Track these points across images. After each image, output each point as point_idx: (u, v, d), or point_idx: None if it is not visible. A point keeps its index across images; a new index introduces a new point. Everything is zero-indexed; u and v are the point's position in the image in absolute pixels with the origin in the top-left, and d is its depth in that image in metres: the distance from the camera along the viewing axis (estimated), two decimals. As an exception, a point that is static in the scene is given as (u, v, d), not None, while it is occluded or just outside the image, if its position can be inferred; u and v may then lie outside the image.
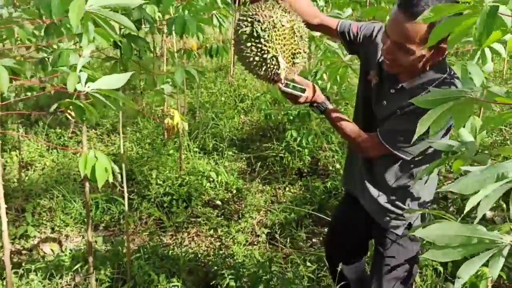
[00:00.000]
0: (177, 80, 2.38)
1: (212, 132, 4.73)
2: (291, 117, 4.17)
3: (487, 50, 2.12)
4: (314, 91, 1.59)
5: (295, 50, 1.47)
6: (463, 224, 0.96)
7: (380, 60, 1.63)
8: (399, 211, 1.73)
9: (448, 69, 1.51)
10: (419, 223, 1.73)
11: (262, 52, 1.43)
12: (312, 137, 4.10)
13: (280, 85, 1.51)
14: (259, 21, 1.44)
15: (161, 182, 3.62)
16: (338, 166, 3.78)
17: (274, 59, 1.43)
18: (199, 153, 4.30)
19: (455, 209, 3.21)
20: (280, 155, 4.17)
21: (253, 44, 1.44)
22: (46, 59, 2.38)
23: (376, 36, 1.67)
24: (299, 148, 4.09)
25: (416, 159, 1.58)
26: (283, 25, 1.46)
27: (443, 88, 1.44)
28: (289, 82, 1.51)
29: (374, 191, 1.74)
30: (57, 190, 3.60)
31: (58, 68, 2.01)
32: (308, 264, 2.66)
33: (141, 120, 5.02)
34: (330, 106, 1.64)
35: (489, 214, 3.30)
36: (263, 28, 1.43)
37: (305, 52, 1.51)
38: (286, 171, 4.00)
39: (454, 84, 1.47)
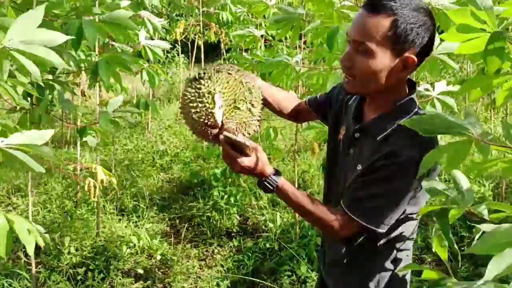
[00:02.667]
0: (102, 126, 2.08)
1: (130, 191, 4.35)
2: (217, 174, 3.95)
3: (437, 103, 2.09)
4: (260, 160, 1.26)
5: (238, 97, 1.27)
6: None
7: (348, 101, 1.47)
8: None
9: (416, 109, 1.29)
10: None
11: (199, 90, 1.25)
12: (240, 195, 3.90)
13: (223, 134, 1.22)
14: (204, 69, 1.31)
15: (74, 251, 3.17)
16: (271, 225, 3.58)
17: (210, 97, 1.23)
18: (117, 215, 3.89)
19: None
20: (206, 214, 3.89)
21: (193, 86, 1.27)
22: None
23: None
24: (227, 206, 3.86)
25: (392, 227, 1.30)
26: (229, 73, 1.30)
27: (405, 136, 1.21)
28: (229, 134, 1.23)
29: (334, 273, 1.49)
30: None
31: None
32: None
33: (48, 180, 4.51)
34: (282, 180, 1.28)
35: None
36: (205, 72, 1.29)
37: (254, 107, 1.30)
38: (214, 232, 3.72)
39: (418, 135, 1.28)
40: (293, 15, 2.11)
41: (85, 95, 3.67)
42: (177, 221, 3.94)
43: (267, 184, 1.27)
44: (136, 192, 4.38)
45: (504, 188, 3.86)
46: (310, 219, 1.32)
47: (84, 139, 2.17)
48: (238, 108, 1.26)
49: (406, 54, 1.20)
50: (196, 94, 1.24)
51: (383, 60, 1.20)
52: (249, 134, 1.30)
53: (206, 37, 6.69)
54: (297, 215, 3.26)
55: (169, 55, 9.06)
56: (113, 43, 3.79)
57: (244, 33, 3.15)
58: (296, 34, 2.16)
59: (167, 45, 3.19)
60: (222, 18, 5.20)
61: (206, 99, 1.23)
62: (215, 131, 1.24)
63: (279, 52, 3.51)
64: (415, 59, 1.21)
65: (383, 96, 1.30)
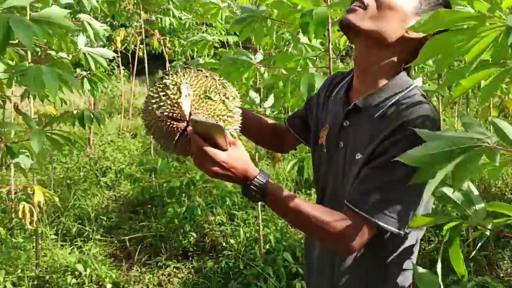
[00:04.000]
0: (34, 147, 1.75)
1: (73, 213, 3.96)
2: (171, 188, 3.66)
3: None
4: (241, 156, 0.99)
5: (209, 88, 1.06)
6: None
7: (331, 94, 1.28)
8: None
9: (413, 83, 1.10)
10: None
11: (162, 84, 1.04)
12: (196, 210, 3.62)
13: (191, 118, 0.97)
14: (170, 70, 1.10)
15: (11, 286, 2.77)
16: (232, 241, 3.33)
17: (175, 88, 1.02)
18: (59, 240, 3.50)
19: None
20: (160, 233, 3.59)
21: (158, 84, 1.06)
22: None
23: (330, 81, 1.32)
24: (181, 224, 3.58)
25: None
26: (199, 70, 1.09)
27: (408, 106, 1.02)
28: (197, 118, 0.97)
29: None
30: None
31: None
32: None
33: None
34: (272, 183, 1.01)
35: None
36: (173, 71, 1.08)
37: (229, 100, 1.06)
38: (170, 252, 3.42)
39: (423, 102, 1.02)
40: (255, 14, 1.90)
41: (18, 110, 3.25)
42: (128, 243, 3.60)
43: (255, 188, 0.99)
44: (80, 213, 4.00)
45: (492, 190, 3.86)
46: (314, 229, 1.02)
47: (15, 160, 1.82)
48: (210, 98, 1.03)
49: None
50: (159, 88, 1.03)
51: (408, 4, 1.06)
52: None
53: (148, 47, 6.37)
54: (261, 229, 3.03)
55: (108, 67, 8.63)
56: (49, 51, 3.44)
57: (197, 39, 2.92)
58: (260, 35, 1.95)
59: (110, 53, 2.88)
60: (165, 24, 4.92)
61: (170, 90, 1.01)
62: (182, 125, 1.01)
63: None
64: None
65: (378, 60, 1.11)
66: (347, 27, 1.09)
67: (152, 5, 5.09)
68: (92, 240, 3.56)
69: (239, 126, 1.09)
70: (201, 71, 1.09)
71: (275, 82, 2.36)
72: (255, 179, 0.99)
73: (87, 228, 3.70)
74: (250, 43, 5.10)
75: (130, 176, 4.99)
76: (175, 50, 6.79)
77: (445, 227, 1.00)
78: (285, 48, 3.33)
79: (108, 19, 5.31)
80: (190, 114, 1.01)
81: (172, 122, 1.01)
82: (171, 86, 1.02)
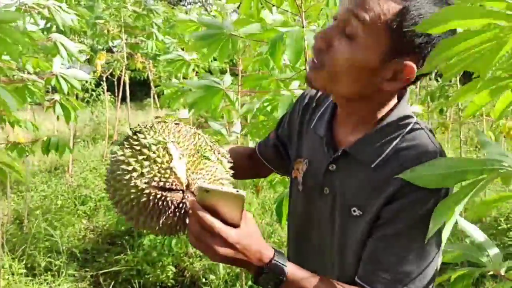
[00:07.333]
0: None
1: (45, 245, 3.72)
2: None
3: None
4: (255, 234, 0.81)
5: (201, 145, 0.86)
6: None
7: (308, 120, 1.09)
8: None
9: (414, 119, 0.92)
10: None
11: (141, 145, 0.82)
12: (175, 242, 3.41)
13: (199, 186, 0.76)
14: (144, 126, 0.87)
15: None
16: (212, 276, 3.11)
17: (159, 147, 0.81)
18: (27, 275, 3.26)
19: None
20: (136, 267, 3.36)
21: (128, 144, 0.83)
22: None
23: (309, 100, 1.12)
24: (159, 257, 3.36)
25: None
26: (177, 124, 0.89)
27: (411, 152, 0.85)
28: (208, 185, 0.76)
29: None
30: None
31: None
32: None
33: None
34: (290, 265, 0.82)
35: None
36: (143, 125, 0.87)
37: (225, 158, 0.89)
38: (146, 288, 3.20)
39: (429, 147, 0.85)
40: (221, 31, 1.72)
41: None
42: (101, 277, 3.36)
43: (274, 273, 0.80)
44: (52, 245, 3.76)
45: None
46: None
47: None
48: (207, 158, 0.84)
49: (406, 62, 0.83)
50: (135, 150, 0.81)
51: (369, 53, 0.83)
52: None
53: (134, 72, 6.22)
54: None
55: (94, 93, 8.47)
56: (23, 75, 3.27)
57: (173, 57, 2.76)
58: (224, 53, 1.76)
59: (85, 75, 2.72)
60: (149, 47, 4.79)
61: (154, 152, 0.80)
62: (178, 196, 0.80)
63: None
64: (414, 68, 0.83)
65: (362, 107, 0.93)
66: (311, 86, 0.93)
67: (135, 28, 4.96)
68: (63, 275, 3.32)
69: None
70: (179, 124, 0.89)
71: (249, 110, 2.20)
72: (273, 261, 0.81)
73: (58, 262, 3.46)
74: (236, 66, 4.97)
75: (109, 205, 4.77)
76: (160, 75, 6.66)
77: (453, 276, 0.84)
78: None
79: (90, 42, 5.16)
80: (188, 182, 0.80)
81: (164, 194, 0.79)
82: (153, 147, 0.80)
